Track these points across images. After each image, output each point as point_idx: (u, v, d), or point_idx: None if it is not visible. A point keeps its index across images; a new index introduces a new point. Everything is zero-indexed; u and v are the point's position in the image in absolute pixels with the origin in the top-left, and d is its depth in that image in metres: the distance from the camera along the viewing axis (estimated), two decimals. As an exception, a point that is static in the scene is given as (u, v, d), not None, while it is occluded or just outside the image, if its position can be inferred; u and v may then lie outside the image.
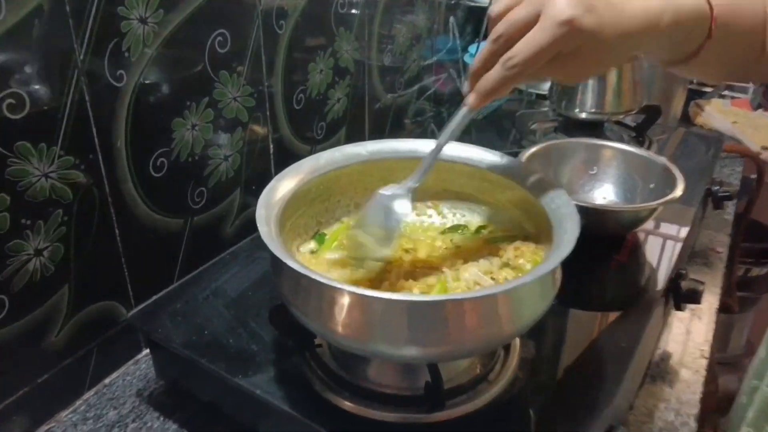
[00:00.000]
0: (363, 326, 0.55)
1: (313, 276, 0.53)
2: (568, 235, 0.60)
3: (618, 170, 1.00)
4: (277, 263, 0.58)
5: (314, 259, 0.72)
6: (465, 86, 0.60)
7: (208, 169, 0.90)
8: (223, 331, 0.73)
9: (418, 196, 0.80)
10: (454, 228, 0.78)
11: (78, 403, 0.79)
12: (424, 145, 0.77)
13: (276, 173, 0.71)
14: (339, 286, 0.52)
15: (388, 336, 0.54)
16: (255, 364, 0.68)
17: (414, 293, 0.62)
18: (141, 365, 0.85)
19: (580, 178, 1.01)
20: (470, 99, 0.58)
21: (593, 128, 1.24)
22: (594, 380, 0.69)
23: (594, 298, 0.85)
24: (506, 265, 0.68)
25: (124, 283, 0.82)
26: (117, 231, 0.79)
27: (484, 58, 0.56)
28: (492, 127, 1.40)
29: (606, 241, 0.91)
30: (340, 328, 0.55)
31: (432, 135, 1.38)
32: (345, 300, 0.54)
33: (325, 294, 0.55)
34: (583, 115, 1.26)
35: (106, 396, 0.80)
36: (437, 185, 0.80)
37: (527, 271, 0.69)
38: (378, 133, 1.31)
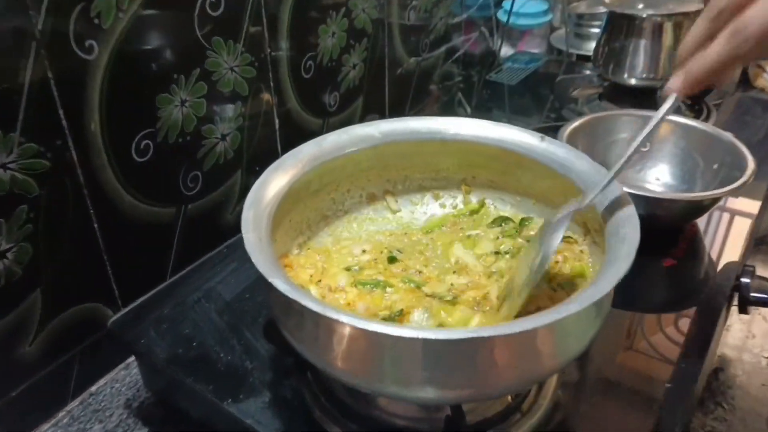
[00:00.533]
0: (367, 364, 0.44)
1: (306, 303, 0.42)
2: (626, 247, 0.48)
3: (675, 147, 0.86)
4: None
5: (327, 262, 0.61)
6: (672, 81, 0.50)
7: (202, 151, 0.79)
8: (213, 343, 0.64)
9: (439, 184, 0.68)
10: (498, 221, 0.66)
11: (61, 415, 0.71)
12: (448, 125, 0.65)
13: (283, 152, 0.61)
14: (337, 317, 0.42)
15: (399, 376, 0.44)
16: (248, 386, 0.59)
17: (434, 328, 0.51)
18: (131, 370, 0.76)
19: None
20: (676, 83, 0.49)
21: (644, 96, 1.09)
22: (648, 402, 0.57)
23: (644, 303, 0.73)
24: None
25: (108, 282, 0.73)
26: (96, 225, 0.69)
27: (699, 36, 0.47)
28: (527, 94, 1.26)
29: (659, 234, 0.78)
30: (339, 363, 0.45)
31: (459, 105, 1.25)
32: (345, 333, 0.43)
33: (321, 324, 0.44)
34: (633, 81, 1.10)
35: (92, 407, 0.72)
36: (463, 171, 0.68)
37: (568, 278, 0.57)
38: (399, 103, 1.19)
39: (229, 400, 0.58)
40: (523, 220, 0.66)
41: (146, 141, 0.72)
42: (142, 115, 0.71)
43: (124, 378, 0.75)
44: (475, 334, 0.41)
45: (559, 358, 0.46)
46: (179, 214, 0.79)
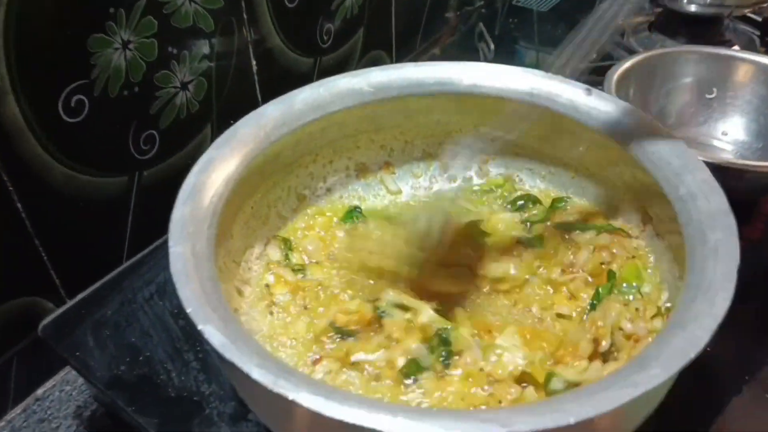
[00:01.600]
0: None
1: (248, 370, 0.28)
2: (721, 267, 0.33)
3: (751, 95, 0.69)
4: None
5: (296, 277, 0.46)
6: None
7: (157, 104, 0.64)
8: (164, 358, 0.51)
9: (449, 152, 0.53)
10: (521, 200, 0.51)
11: (0, 426, 0.60)
12: (462, 73, 0.49)
13: (265, 101, 0.48)
14: (288, 394, 0.27)
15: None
16: (202, 419, 0.47)
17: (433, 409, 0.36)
18: (85, 370, 0.64)
19: (691, 104, 0.71)
20: None
21: (705, 28, 0.89)
22: None
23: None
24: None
25: (46, 272, 0.60)
26: (20, 206, 0.55)
27: None
28: (561, 23, 1.06)
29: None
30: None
31: (480, 38, 1.06)
32: (305, 417, 0.29)
33: (271, 398, 0.30)
34: (693, 8, 0.90)
35: (36, 416, 0.61)
36: (480, 134, 0.52)
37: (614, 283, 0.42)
38: (409, 36, 1.01)
39: (177, 439, 0.45)
40: (555, 201, 0.50)
41: (78, 96, 0.57)
42: (70, 64, 0.55)
43: (75, 380, 0.63)
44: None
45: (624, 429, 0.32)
46: (132, 183, 0.64)
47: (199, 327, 0.31)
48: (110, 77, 0.58)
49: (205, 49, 0.67)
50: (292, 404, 0.27)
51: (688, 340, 0.29)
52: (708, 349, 0.51)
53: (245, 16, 0.70)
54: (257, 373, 0.28)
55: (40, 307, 0.60)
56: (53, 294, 0.61)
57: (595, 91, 0.46)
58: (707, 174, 0.38)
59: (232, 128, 0.44)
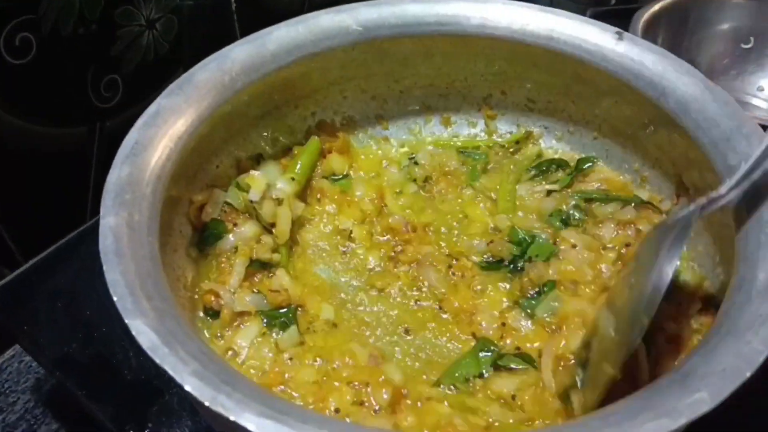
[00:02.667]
0: None
1: (182, 380, 0.22)
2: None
3: (793, 45, 0.60)
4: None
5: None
6: None
7: (119, 45, 0.57)
8: (122, 334, 0.45)
9: (452, 104, 0.46)
10: (546, 164, 0.44)
11: (-48, 401, 0.55)
12: (469, 10, 0.41)
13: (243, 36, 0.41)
14: (229, 415, 0.21)
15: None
16: (162, 408, 0.41)
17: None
18: (47, 339, 0.59)
19: (726, 54, 0.63)
20: None
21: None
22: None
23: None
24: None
25: (-1, 235, 0.53)
26: (-40, 159, 0.48)
27: None
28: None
29: None
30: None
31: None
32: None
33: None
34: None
35: (-6, 390, 0.55)
36: (488, 84, 0.45)
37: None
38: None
39: (131, 429, 0.40)
40: (580, 162, 0.43)
41: (23, 34, 0.50)
42: (12, -5, 0.47)
43: (36, 350, 0.58)
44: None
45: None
46: (93, 135, 0.57)
47: (127, 321, 0.24)
48: (61, 12, 0.52)
49: (176, -18, 0.59)
50: (235, 425, 0.21)
51: (742, 355, 0.22)
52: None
53: (222, -57, 0.62)
54: (191, 386, 0.22)
55: (-5, 273, 0.55)
56: (8, 258, 0.56)
57: (627, 35, 0.39)
58: (766, 140, 0.31)
59: (187, 73, 0.37)
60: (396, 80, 0.45)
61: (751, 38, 0.64)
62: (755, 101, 0.64)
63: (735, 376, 0.22)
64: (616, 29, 0.39)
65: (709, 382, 0.22)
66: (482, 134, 0.47)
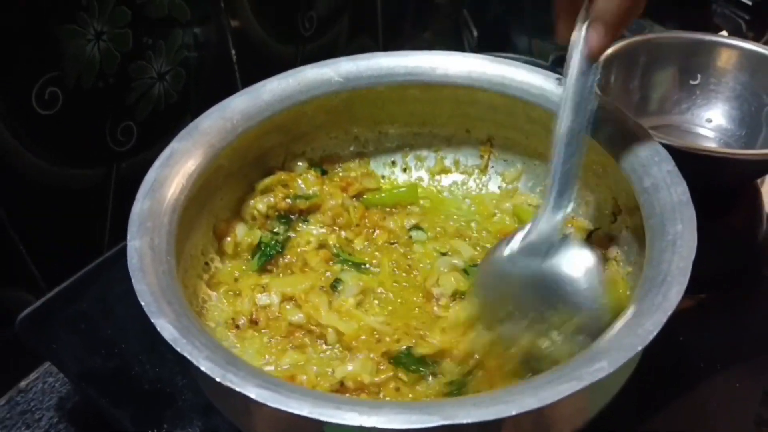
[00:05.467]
0: None
1: (199, 363, 0.29)
2: (677, 260, 0.32)
3: (734, 81, 0.68)
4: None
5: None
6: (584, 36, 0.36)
7: (133, 95, 0.64)
8: (139, 350, 0.51)
9: (424, 141, 0.52)
10: None
11: (-17, 418, 0.60)
12: (435, 62, 0.48)
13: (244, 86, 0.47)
14: (243, 390, 0.28)
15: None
16: (175, 412, 0.47)
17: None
18: (67, 362, 0.64)
19: (675, 90, 0.70)
20: (594, 39, 0.35)
21: (695, 13, 0.88)
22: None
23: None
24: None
25: (25, 264, 0.60)
26: (-6, 199, 0.55)
27: None
28: (546, 8, 1.05)
29: (711, 196, 0.61)
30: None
31: (465, 24, 1.04)
32: (259, 410, 0.29)
33: (227, 392, 0.30)
34: (683, -10, 0.89)
35: (20, 407, 0.61)
36: (454, 123, 0.52)
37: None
38: (396, 23, 1.00)
39: (149, 431, 0.45)
40: None
41: (52, 88, 0.56)
42: (42, 56, 0.55)
43: (58, 372, 0.64)
44: (449, 422, 0.26)
45: (576, 421, 0.32)
46: (110, 175, 0.64)
47: (153, 320, 0.31)
48: (84, 69, 0.58)
49: (182, 39, 0.66)
50: (241, 395, 0.28)
51: (636, 335, 0.29)
52: (680, 338, 0.52)
53: (222, 4, 0.70)
54: (205, 366, 0.28)
55: (20, 299, 0.60)
56: (33, 286, 0.61)
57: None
58: (672, 165, 0.38)
59: (194, 121, 0.43)
60: (375, 122, 0.52)
61: (698, 75, 0.71)
62: (704, 132, 0.70)
63: (629, 350, 0.28)
64: (557, 76, 0.46)
65: (608, 355, 0.28)
66: (454, 168, 0.54)
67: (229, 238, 0.46)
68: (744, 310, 0.55)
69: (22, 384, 0.63)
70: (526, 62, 0.49)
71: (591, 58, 0.36)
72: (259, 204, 0.47)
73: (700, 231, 0.57)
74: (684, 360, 0.50)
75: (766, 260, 0.61)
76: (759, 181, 0.67)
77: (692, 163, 0.54)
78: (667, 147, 0.40)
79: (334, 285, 0.44)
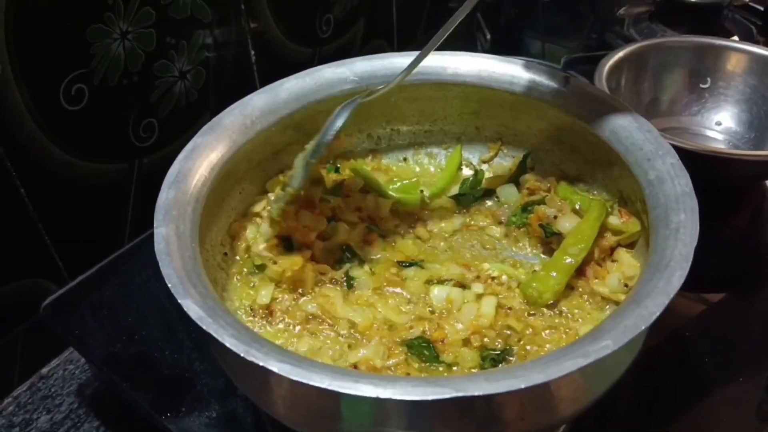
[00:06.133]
0: (317, 420, 0.32)
1: (224, 340, 0.30)
2: (680, 246, 0.34)
3: (744, 85, 0.69)
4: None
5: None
6: None
7: (156, 93, 0.66)
8: (159, 337, 0.53)
9: (436, 139, 0.54)
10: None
11: (7, 401, 0.63)
12: (446, 62, 0.50)
13: (263, 86, 0.49)
14: (265, 364, 0.29)
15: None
16: (193, 395, 0.49)
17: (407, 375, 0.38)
18: (88, 350, 0.67)
19: (685, 93, 0.71)
20: None
21: (707, 18, 0.89)
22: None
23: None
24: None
25: (49, 254, 0.62)
26: (23, 190, 0.57)
27: None
28: (563, 13, 1.06)
29: (719, 197, 0.62)
30: (280, 410, 0.33)
31: (478, 27, 1.06)
32: (279, 383, 0.31)
33: (248, 367, 0.32)
34: (694, -2, 0.90)
35: (41, 393, 0.63)
36: (464, 120, 0.53)
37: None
38: (411, 25, 1.01)
39: (169, 414, 0.47)
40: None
41: (78, 85, 0.59)
42: (70, 54, 0.57)
43: (78, 359, 0.66)
44: (465, 394, 0.27)
45: (582, 399, 0.33)
46: (132, 169, 0.66)
47: (180, 301, 0.32)
48: (109, 67, 0.60)
49: (204, 40, 0.69)
50: (263, 370, 0.29)
51: (640, 315, 0.30)
52: (687, 333, 0.53)
53: (243, 6, 0.72)
54: (230, 343, 0.30)
55: (44, 288, 0.63)
56: (56, 275, 0.63)
57: (573, 78, 0.47)
58: (675, 158, 0.39)
59: (216, 117, 0.45)
60: (387, 120, 0.53)
61: (708, 79, 0.72)
62: (713, 134, 0.71)
63: (633, 330, 0.30)
64: (565, 73, 0.48)
65: (613, 334, 0.29)
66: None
67: (241, 243, 0.48)
68: (748, 307, 0.56)
69: (44, 370, 0.65)
70: (538, 64, 0.50)
71: None
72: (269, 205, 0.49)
73: (709, 231, 0.58)
74: (689, 355, 0.51)
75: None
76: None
77: (701, 164, 0.55)
78: (677, 148, 0.42)
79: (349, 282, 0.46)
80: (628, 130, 0.42)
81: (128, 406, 0.57)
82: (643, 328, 0.29)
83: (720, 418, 0.47)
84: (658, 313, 0.30)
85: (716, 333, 0.54)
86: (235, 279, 0.47)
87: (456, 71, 0.49)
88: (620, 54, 0.68)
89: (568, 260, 0.42)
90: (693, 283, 0.57)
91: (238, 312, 0.43)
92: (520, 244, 0.47)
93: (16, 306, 0.61)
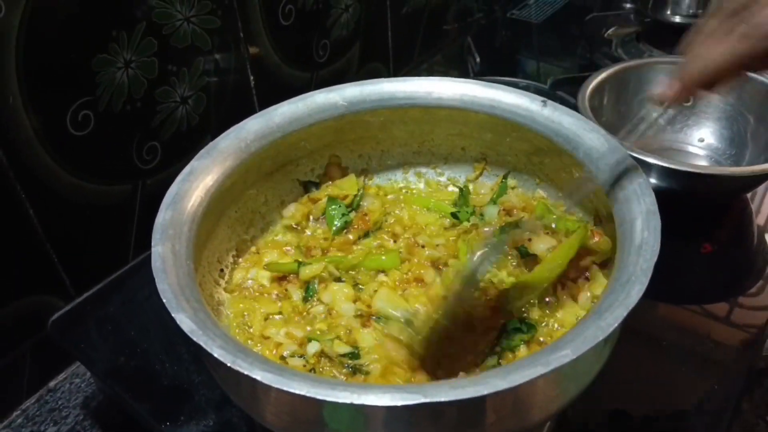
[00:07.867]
0: (304, 426, 0.35)
1: (213, 351, 0.33)
2: (642, 261, 0.36)
3: (723, 102, 0.71)
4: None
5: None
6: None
7: (158, 118, 0.69)
8: (159, 350, 0.56)
9: (424, 159, 0.57)
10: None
11: (15, 414, 0.65)
12: (431, 87, 0.53)
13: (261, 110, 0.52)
14: (250, 373, 0.32)
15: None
16: (191, 406, 0.51)
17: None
18: (93, 364, 0.69)
19: (668, 112, 0.73)
20: (674, 87, 0.41)
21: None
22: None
23: (679, 294, 0.61)
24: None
25: (56, 272, 0.64)
26: (32, 211, 0.60)
27: (709, 33, 0.38)
28: (553, 35, 1.09)
29: (701, 212, 0.65)
30: (268, 418, 0.36)
31: (469, 51, 1.09)
32: (267, 393, 0.33)
33: (238, 377, 0.34)
34: (678, 19, 0.93)
35: (48, 405, 0.66)
36: (449, 143, 0.56)
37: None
38: (406, 49, 1.04)
39: (168, 423, 0.49)
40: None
41: (85, 111, 0.62)
42: (76, 82, 0.60)
43: (84, 373, 0.68)
44: (433, 400, 0.30)
45: (550, 406, 0.36)
46: (136, 191, 0.69)
47: (173, 315, 0.35)
48: (114, 94, 0.64)
49: (204, 66, 0.72)
50: (248, 379, 0.32)
51: (599, 327, 0.32)
52: (664, 343, 0.55)
53: (241, 34, 0.75)
54: (218, 353, 0.32)
55: (51, 305, 0.65)
56: (63, 292, 0.66)
57: (551, 103, 0.50)
58: (643, 177, 0.42)
59: (213, 142, 0.48)
60: (377, 142, 0.56)
61: (691, 98, 0.74)
62: (696, 150, 0.74)
63: (592, 340, 0.32)
64: (542, 99, 0.50)
65: (573, 344, 0.32)
66: (452, 183, 0.58)
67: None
68: (727, 318, 0.58)
69: (51, 384, 0.68)
70: (526, 85, 0.53)
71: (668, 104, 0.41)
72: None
73: (693, 244, 0.61)
74: (666, 363, 0.53)
75: (756, 269, 0.64)
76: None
77: (684, 181, 0.58)
78: (661, 167, 0.44)
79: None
80: (599, 152, 0.45)
81: (130, 416, 0.59)
82: (600, 338, 0.32)
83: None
84: (615, 325, 0.32)
85: (694, 342, 0.56)
86: (233, 294, 0.49)
87: (440, 96, 0.52)
88: (603, 75, 0.71)
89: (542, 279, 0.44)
90: (676, 294, 0.59)
91: (233, 324, 0.46)
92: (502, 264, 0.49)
93: (25, 321, 0.63)
